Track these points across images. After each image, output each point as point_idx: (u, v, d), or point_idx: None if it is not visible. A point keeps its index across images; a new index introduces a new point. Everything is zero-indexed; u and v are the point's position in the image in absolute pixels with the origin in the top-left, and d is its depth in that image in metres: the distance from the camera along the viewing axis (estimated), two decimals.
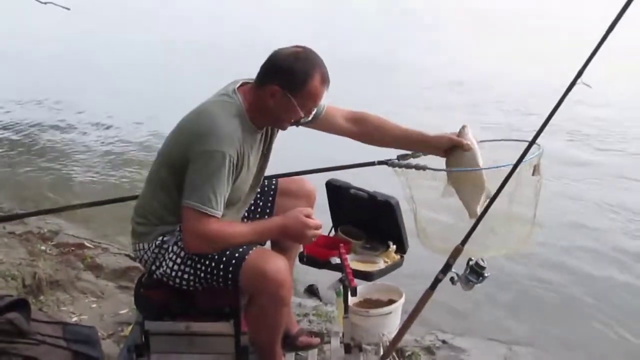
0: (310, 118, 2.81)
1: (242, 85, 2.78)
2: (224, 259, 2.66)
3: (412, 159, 3.13)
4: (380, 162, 3.28)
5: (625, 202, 6.45)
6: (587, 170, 7.44)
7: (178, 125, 2.79)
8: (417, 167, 3.03)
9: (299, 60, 2.67)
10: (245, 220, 3.06)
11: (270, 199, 3.17)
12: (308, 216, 2.78)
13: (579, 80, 2.40)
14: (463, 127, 2.94)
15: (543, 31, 16.15)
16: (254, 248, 2.71)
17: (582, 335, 4.27)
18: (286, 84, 2.65)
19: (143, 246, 2.81)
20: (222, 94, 2.77)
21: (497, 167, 2.78)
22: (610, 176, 7.23)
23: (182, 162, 2.66)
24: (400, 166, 3.10)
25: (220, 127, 2.60)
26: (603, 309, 4.60)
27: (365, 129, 3.07)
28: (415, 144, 3.09)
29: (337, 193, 3.44)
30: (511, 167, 2.60)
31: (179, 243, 2.74)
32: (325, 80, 2.71)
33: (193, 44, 14.97)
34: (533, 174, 2.78)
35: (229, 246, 2.69)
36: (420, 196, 2.99)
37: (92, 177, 7.67)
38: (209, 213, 2.58)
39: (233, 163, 2.62)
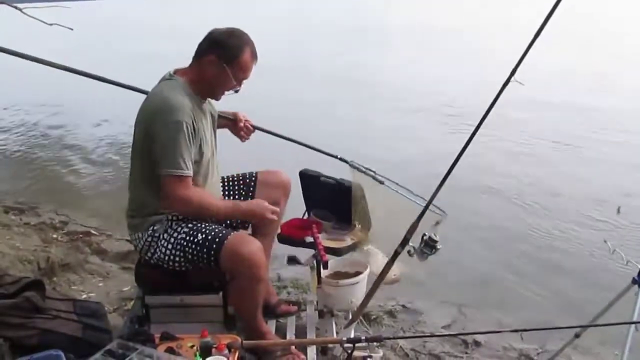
0: (240, 89, 2.80)
1: (176, 71, 2.78)
2: (207, 242, 2.66)
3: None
4: (342, 160, 3.30)
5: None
6: None
7: (138, 117, 2.76)
8: (376, 178, 3.09)
9: (232, 37, 2.73)
10: None
11: (251, 189, 3.16)
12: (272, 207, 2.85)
13: (512, 79, 2.41)
14: None
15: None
16: (233, 233, 2.72)
17: (520, 297, 4.31)
18: (221, 55, 2.69)
19: (138, 235, 2.80)
20: (162, 80, 2.77)
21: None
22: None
23: (148, 144, 2.66)
24: (360, 170, 3.17)
25: (170, 100, 2.61)
26: (538, 274, 4.66)
27: None
28: None
29: (309, 181, 3.45)
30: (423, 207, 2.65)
31: (169, 230, 2.73)
32: (254, 56, 2.76)
33: None
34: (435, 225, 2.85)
35: (205, 213, 2.73)
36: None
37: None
38: (183, 174, 2.60)
39: (190, 128, 2.62)
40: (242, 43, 2.73)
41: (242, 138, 3.22)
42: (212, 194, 2.84)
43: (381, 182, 3.15)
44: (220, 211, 2.79)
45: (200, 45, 2.76)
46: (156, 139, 2.61)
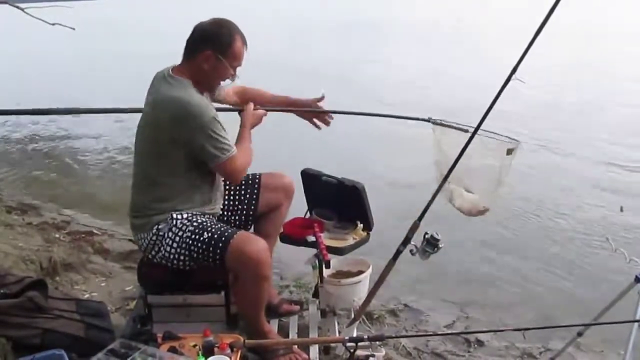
0: (236, 77, 2.83)
1: (173, 70, 2.77)
2: (213, 241, 2.66)
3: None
4: (426, 120, 3.26)
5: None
6: None
7: (149, 121, 2.74)
8: (461, 129, 3.03)
9: (222, 27, 2.74)
10: (231, 209, 3.10)
11: (255, 192, 3.15)
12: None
13: (513, 76, 2.40)
14: None
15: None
16: (238, 232, 2.71)
17: (522, 296, 4.31)
18: (216, 48, 2.70)
19: (142, 235, 2.80)
20: (165, 83, 2.72)
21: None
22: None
23: (171, 148, 2.67)
24: (442, 124, 3.14)
25: (190, 102, 2.62)
26: (540, 272, 4.66)
27: (247, 98, 3.12)
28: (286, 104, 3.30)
29: (311, 180, 3.45)
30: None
31: (174, 229, 2.72)
32: (245, 42, 2.78)
33: None
34: (507, 154, 2.83)
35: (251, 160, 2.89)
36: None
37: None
38: (232, 154, 2.69)
39: (217, 118, 2.67)
40: (232, 31, 2.74)
41: (326, 122, 3.29)
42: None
43: (466, 131, 3.08)
44: (250, 147, 2.91)
45: (189, 42, 2.75)
46: (194, 141, 2.63)
